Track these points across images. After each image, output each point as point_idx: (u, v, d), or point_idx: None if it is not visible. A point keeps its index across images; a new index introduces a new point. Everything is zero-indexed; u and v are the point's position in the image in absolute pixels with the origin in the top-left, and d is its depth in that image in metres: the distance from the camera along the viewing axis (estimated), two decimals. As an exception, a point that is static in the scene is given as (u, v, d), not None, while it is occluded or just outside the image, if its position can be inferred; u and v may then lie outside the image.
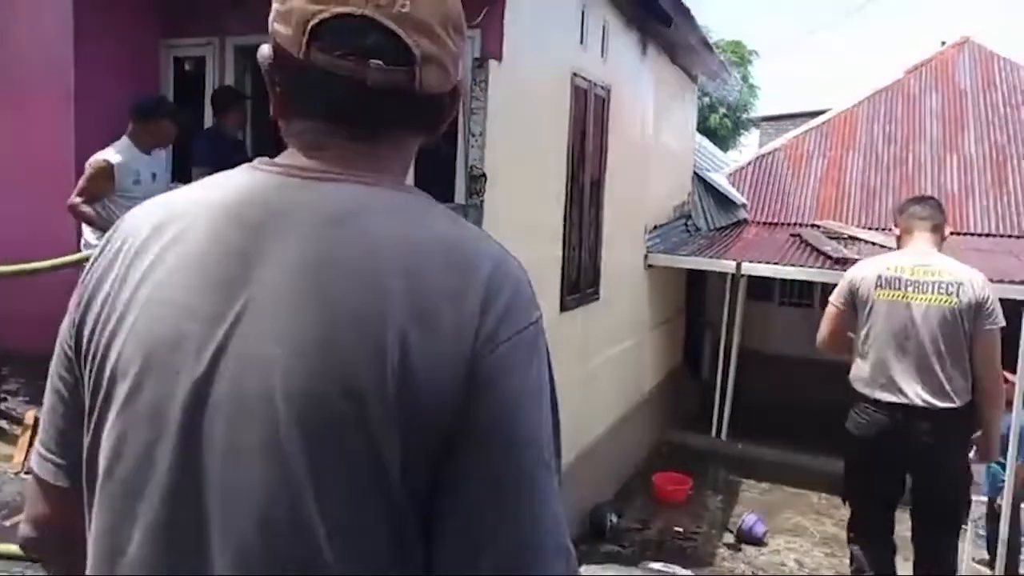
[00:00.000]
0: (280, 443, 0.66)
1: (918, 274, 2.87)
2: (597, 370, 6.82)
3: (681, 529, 6.75)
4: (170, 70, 5.55)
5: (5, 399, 4.31)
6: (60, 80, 4.93)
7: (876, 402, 2.95)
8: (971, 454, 3.06)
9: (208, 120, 5.31)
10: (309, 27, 0.71)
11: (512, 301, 0.71)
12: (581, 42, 5.92)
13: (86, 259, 3.52)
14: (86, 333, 0.75)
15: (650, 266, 8.35)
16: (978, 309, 2.83)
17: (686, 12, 7.18)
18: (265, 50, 0.77)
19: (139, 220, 0.77)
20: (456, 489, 0.67)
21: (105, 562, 0.71)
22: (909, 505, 3.17)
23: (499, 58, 4.69)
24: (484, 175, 4.71)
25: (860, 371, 3.03)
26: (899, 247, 3.09)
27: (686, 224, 9.70)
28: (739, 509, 7.22)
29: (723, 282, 8.91)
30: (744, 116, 21.78)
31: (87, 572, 0.74)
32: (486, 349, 0.68)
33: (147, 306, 0.71)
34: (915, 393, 2.86)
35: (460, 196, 4.77)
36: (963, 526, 3.17)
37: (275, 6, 0.75)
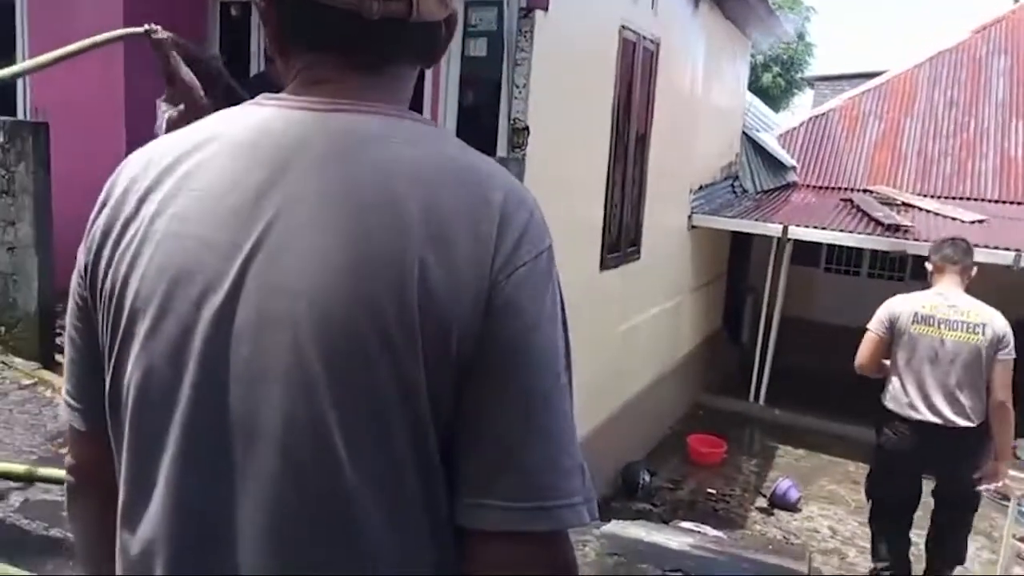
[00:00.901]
0: (304, 368, 0.66)
1: (949, 314, 3.36)
2: (635, 329, 6.79)
3: (714, 491, 6.76)
4: (216, 16, 5.56)
5: (60, 333, 4.48)
6: (111, 13, 4.99)
7: (907, 420, 3.42)
8: (980, 478, 3.47)
9: (256, 67, 5.35)
10: None
11: (527, 226, 0.71)
12: (631, -7, 5.75)
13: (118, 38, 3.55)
14: (100, 274, 0.74)
15: (694, 227, 8.22)
16: (997, 344, 3.32)
17: (742, -37, 6.91)
18: None
19: (146, 159, 0.76)
20: (476, 412, 0.68)
21: (136, 497, 0.72)
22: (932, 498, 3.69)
23: (545, 8, 4.58)
24: (527, 128, 4.64)
25: (894, 393, 3.49)
26: (931, 282, 3.53)
27: (733, 185, 9.49)
28: (773, 474, 7.18)
29: (768, 246, 8.73)
30: (798, 75, 21.06)
31: (119, 509, 0.75)
32: (503, 274, 0.68)
33: (163, 241, 0.70)
34: (942, 413, 3.35)
35: (502, 149, 4.71)
36: (975, 510, 3.69)
37: None
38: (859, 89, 12.33)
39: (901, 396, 3.44)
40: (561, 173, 5.05)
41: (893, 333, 3.44)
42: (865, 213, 8.63)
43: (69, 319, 0.81)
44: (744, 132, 10.04)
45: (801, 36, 20.30)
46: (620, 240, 6.24)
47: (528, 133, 4.65)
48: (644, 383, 7.19)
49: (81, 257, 0.77)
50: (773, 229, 8.11)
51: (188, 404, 0.69)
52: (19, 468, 3.04)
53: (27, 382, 3.96)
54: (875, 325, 3.50)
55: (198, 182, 0.71)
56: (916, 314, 3.39)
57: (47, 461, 3.19)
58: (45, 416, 3.63)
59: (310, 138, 0.70)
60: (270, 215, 0.68)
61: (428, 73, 4.78)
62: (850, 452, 7.38)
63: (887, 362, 3.53)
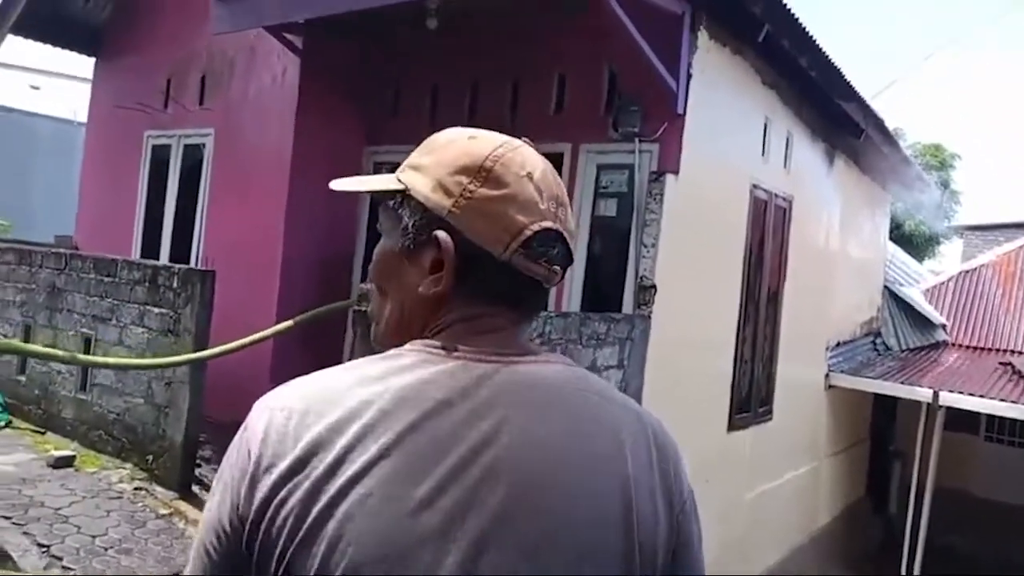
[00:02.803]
0: None
1: None
2: (765, 496, 6.32)
3: None
4: (371, 169, 6.11)
5: (200, 465, 4.72)
6: (279, 173, 5.75)
7: None
8: None
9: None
10: (523, 237, 0.78)
11: (679, 454, 0.80)
12: (762, 154, 5.80)
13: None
14: (274, 532, 0.68)
15: (831, 386, 7.74)
16: None
17: (879, 123, 6.86)
18: (447, 240, 0.77)
19: (314, 416, 0.70)
20: None
21: None
22: None
23: (676, 172, 4.69)
24: (654, 286, 4.65)
25: None
26: None
27: (874, 342, 8.96)
28: None
29: (917, 409, 8.03)
30: (945, 224, 20.06)
31: None
32: (681, 509, 0.77)
33: (355, 520, 0.66)
34: None
35: (628, 306, 4.72)
36: None
37: (464, 202, 0.78)
38: (1016, 243, 11.56)
39: None
40: (688, 330, 4.96)
41: None
42: (1030, 380, 7.84)
43: (205, 538, 0.73)
44: (886, 286, 9.58)
45: (946, 184, 19.53)
46: (750, 399, 5.96)
47: (655, 291, 4.65)
48: (775, 557, 6.59)
49: (240, 499, 0.70)
50: (922, 394, 7.48)
51: None
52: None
53: (164, 511, 4.17)
54: None
55: (384, 445, 0.68)
56: None
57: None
58: (175, 549, 3.78)
59: (498, 393, 0.73)
60: (477, 484, 0.67)
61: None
62: (1027, 662, 6.32)
63: None
